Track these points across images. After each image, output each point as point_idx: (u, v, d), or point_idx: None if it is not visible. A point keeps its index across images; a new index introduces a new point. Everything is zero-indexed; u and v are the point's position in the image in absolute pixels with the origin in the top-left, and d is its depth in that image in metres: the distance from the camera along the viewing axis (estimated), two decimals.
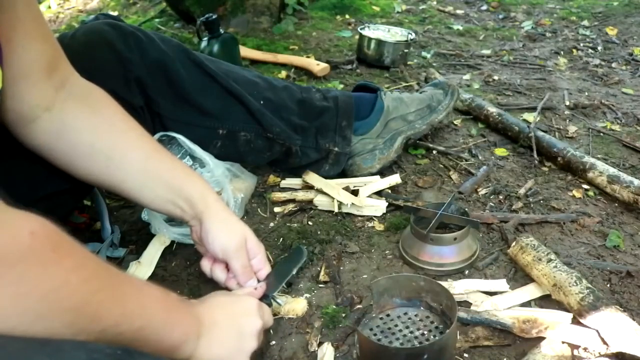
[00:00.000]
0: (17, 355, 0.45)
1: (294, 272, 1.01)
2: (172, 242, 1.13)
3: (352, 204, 1.23)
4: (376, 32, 2.21)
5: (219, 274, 0.93)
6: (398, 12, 2.98)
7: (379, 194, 1.30)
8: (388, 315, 0.93)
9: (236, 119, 1.19)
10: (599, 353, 0.86)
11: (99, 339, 0.54)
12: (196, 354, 0.68)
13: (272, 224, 1.22)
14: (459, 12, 3.01)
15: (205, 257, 0.95)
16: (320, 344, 0.90)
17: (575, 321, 0.91)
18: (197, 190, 0.89)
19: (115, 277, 0.61)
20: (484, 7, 3.09)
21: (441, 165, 1.46)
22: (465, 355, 0.89)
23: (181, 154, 1.19)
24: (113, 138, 0.87)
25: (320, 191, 1.27)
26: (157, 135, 1.12)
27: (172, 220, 1.18)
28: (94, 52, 1.02)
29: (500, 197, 1.31)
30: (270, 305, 0.91)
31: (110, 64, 1.03)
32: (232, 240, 0.89)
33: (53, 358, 0.46)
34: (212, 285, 1.04)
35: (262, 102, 1.23)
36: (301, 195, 1.28)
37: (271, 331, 0.94)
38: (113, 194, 1.33)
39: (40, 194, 0.94)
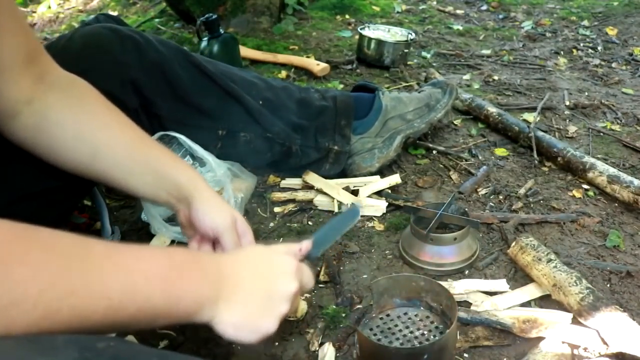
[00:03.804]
0: (8, 355, 0.44)
1: (345, 231, 0.93)
2: (172, 241, 1.13)
3: (352, 204, 1.23)
4: (376, 32, 2.21)
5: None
6: (398, 12, 2.98)
7: (379, 194, 1.30)
8: (388, 315, 0.93)
9: (235, 120, 1.19)
10: (599, 353, 0.86)
11: (95, 331, 0.51)
12: (217, 318, 0.62)
13: (272, 224, 1.22)
14: (459, 12, 3.01)
15: (193, 239, 0.93)
16: (321, 344, 0.90)
17: (575, 321, 0.91)
18: (185, 176, 0.89)
19: (93, 262, 0.54)
20: (484, 7, 3.09)
21: (441, 165, 1.46)
22: (465, 355, 0.89)
23: (181, 153, 1.19)
24: (97, 128, 0.86)
25: (320, 191, 1.27)
26: (157, 135, 1.12)
27: (172, 220, 1.18)
28: (91, 54, 1.02)
29: (500, 197, 1.31)
30: (315, 264, 0.81)
31: (106, 66, 1.03)
32: (223, 218, 0.87)
33: (45, 357, 0.46)
34: None
35: (261, 102, 1.23)
36: (301, 195, 1.28)
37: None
38: (113, 193, 1.33)
39: (32, 190, 0.94)
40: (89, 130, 0.85)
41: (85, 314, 0.51)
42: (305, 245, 0.83)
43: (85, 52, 1.01)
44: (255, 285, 0.67)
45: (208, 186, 0.90)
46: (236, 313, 0.64)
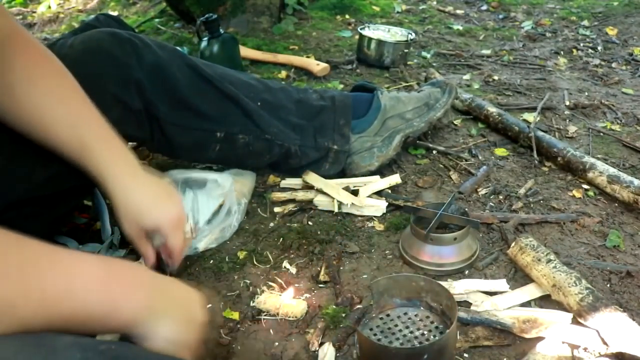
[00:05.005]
0: (11, 358, 0.45)
1: None
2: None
3: (352, 204, 1.23)
4: (376, 32, 2.21)
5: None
6: (398, 12, 2.98)
7: (379, 194, 1.30)
8: (388, 315, 0.93)
9: (234, 122, 1.19)
10: (599, 353, 0.86)
11: (25, 327, 0.50)
12: (153, 330, 0.63)
13: (272, 224, 1.22)
14: (459, 12, 3.01)
15: None
16: (321, 344, 0.90)
17: (575, 321, 0.91)
18: (95, 168, 0.87)
19: (29, 257, 0.54)
20: (484, 7, 3.09)
21: (441, 165, 1.46)
22: (465, 355, 0.89)
23: (180, 190, 1.17)
24: (16, 94, 0.84)
25: (320, 191, 1.27)
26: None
27: None
28: (92, 59, 1.02)
29: (500, 197, 1.31)
30: None
31: (109, 69, 1.03)
32: (129, 229, 0.89)
33: (47, 359, 0.46)
34: (212, 284, 1.04)
35: (259, 103, 1.23)
36: (301, 195, 1.28)
37: (271, 331, 0.94)
38: None
39: (35, 194, 0.93)
40: (19, 93, 0.84)
41: (14, 308, 0.50)
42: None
43: (86, 57, 1.02)
44: (182, 307, 0.70)
45: (124, 183, 0.88)
46: (171, 328, 0.65)
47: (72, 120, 0.87)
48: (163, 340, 0.65)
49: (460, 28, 2.71)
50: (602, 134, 1.63)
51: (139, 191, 0.89)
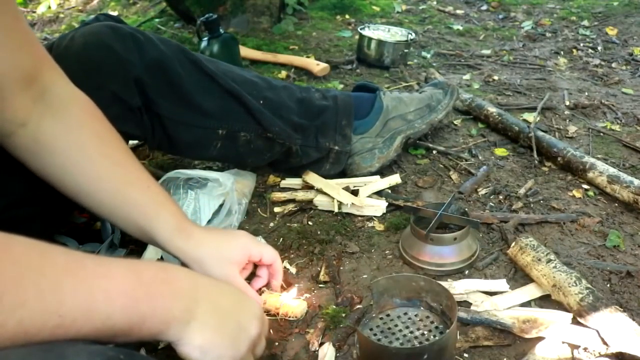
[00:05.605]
0: None
1: None
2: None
3: (352, 204, 1.23)
4: (376, 32, 2.22)
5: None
6: (398, 12, 2.98)
7: (379, 194, 1.30)
8: (388, 315, 0.93)
9: (236, 119, 1.19)
10: (599, 353, 0.86)
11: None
12: (185, 339, 0.61)
13: (272, 224, 1.22)
14: (459, 12, 3.01)
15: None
16: (321, 344, 0.90)
17: (575, 321, 0.91)
18: (167, 235, 0.84)
19: (51, 275, 0.51)
20: (484, 7, 3.09)
21: (441, 165, 1.46)
22: (465, 355, 0.89)
23: (182, 191, 1.17)
24: (84, 166, 0.82)
25: (320, 191, 1.27)
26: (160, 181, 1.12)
27: None
28: (93, 54, 1.01)
29: (500, 197, 1.31)
30: None
31: (109, 65, 1.02)
32: (219, 273, 0.86)
33: None
34: None
35: (261, 101, 1.23)
36: (301, 195, 1.28)
37: (271, 331, 0.94)
38: None
39: (33, 193, 0.93)
40: (77, 166, 0.82)
41: (32, 330, 0.48)
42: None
43: (87, 52, 1.01)
44: (229, 316, 0.67)
45: (192, 241, 0.85)
46: (207, 336, 0.62)
47: (122, 186, 0.84)
48: (197, 350, 0.61)
49: (460, 28, 2.71)
50: (602, 134, 1.63)
51: (210, 236, 0.88)
